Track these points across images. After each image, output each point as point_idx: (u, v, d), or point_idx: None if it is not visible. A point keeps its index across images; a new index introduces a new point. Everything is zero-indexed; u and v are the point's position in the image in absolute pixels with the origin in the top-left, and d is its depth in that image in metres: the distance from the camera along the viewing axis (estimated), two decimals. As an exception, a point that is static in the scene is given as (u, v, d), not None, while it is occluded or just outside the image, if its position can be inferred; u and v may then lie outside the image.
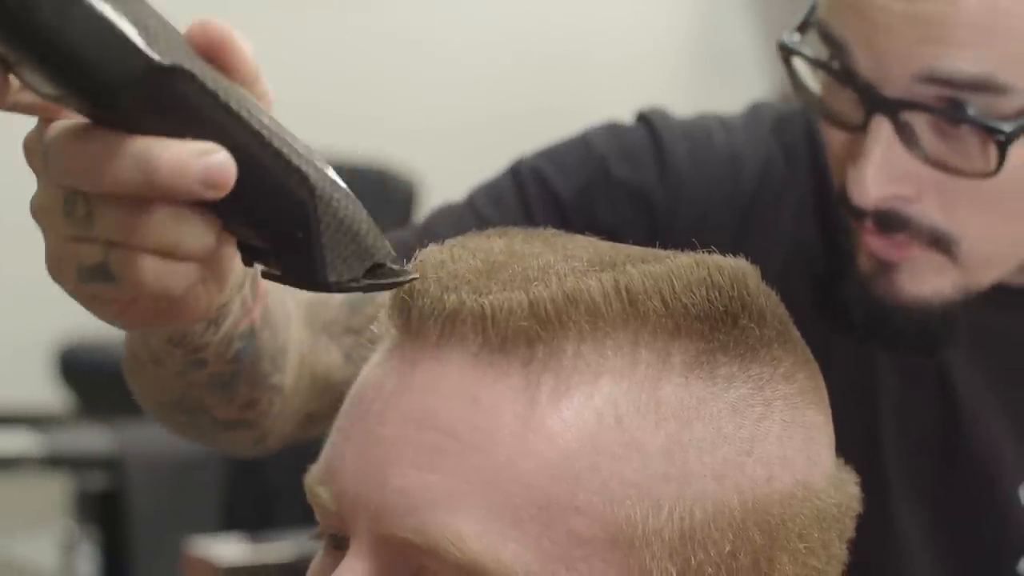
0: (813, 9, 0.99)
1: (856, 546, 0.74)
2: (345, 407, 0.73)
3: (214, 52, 0.63)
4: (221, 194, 0.61)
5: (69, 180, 0.63)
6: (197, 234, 0.63)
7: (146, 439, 2.60)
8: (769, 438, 0.70)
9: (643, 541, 0.67)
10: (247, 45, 0.64)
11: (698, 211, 1.08)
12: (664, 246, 0.74)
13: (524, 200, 1.08)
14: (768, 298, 0.72)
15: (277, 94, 0.68)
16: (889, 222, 0.96)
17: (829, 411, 0.75)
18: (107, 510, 2.68)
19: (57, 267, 0.66)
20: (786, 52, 1.00)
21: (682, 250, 0.72)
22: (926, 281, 0.98)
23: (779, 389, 0.71)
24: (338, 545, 0.71)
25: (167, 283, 0.64)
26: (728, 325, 0.70)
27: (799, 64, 1.00)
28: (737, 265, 0.71)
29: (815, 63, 0.99)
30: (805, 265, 1.08)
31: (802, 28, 0.99)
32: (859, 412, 1.07)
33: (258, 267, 0.68)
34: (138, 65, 0.60)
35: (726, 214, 1.09)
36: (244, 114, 0.62)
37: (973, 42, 0.91)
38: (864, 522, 0.75)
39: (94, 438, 2.73)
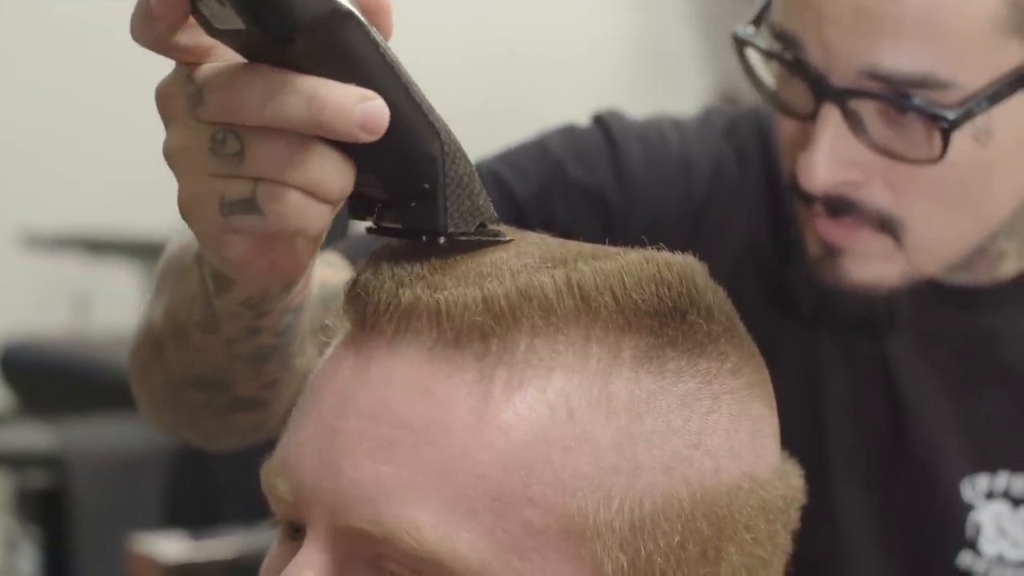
0: (768, 3, 1.01)
1: (801, 536, 0.75)
2: (301, 399, 0.74)
3: (371, 10, 0.67)
4: (374, 138, 0.65)
5: (229, 115, 0.66)
6: (341, 175, 0.67)
7: (88, 437, 2.59)
8: (717, 431, 0.71)
9: (594, 532, 0.68)
10: (391, 8, 0.68)
11: (652, 212, 1.10)
12: (620, 246, 0.75)
13: None
14: (715, 294, 0.74)
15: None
16: (838, 206, 0.98)
17: (774, 404, 0.76)
18: (49, 508, 2.66)
19: (194, 205, 0.69)
20: (740, 44, 1.02)
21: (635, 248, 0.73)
22: (871, 267, 1.00)
23: (726, 383, 0.72)
24: (294, 535, 0.72)
25: (307, 220, 0.67)
26: (677, 320, 0.71)
27: (752, 55, 1.02)
28: (685, 262, 0.73)
29: (768, 54, 1.01)
30: (756, 264, 1.10)
31: (756, 21, 1.01)
32: (805, 404, 1.09)
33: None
34: (325, 6, 0.64)
35: (680, 215, 1.11)
36: (396, 67, 0.66)
37: (914, 37, 0.93)
38: (808, 512, 0.76)
39: (35, 436, 2.71)
